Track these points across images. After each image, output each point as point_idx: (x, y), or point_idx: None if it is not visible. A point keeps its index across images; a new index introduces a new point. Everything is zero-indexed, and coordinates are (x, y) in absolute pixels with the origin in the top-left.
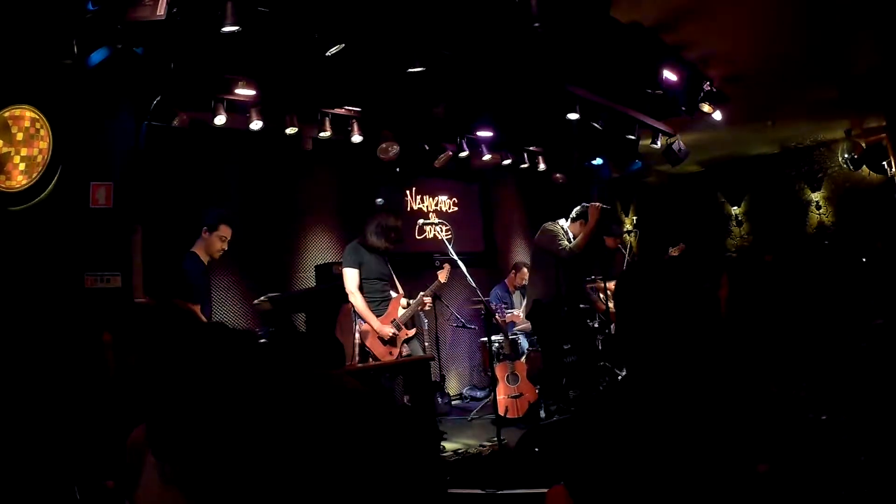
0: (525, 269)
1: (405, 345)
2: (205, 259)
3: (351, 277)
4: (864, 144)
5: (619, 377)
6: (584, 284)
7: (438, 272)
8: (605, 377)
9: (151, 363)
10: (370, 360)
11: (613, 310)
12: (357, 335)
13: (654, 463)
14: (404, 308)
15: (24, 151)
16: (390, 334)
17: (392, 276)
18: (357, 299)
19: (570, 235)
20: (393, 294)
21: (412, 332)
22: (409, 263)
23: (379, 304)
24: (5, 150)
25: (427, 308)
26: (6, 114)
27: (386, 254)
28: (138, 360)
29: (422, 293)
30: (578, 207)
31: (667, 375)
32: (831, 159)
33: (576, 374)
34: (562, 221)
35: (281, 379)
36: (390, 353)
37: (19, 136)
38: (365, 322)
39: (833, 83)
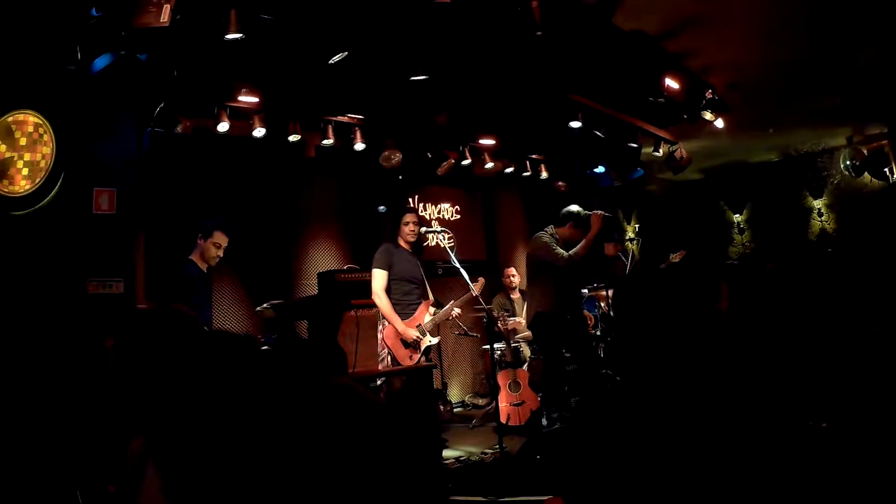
0: (510, 269)
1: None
2: (202, 266)
3: (378, 278)
4: (865, 151)
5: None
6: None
7: (474, 283)
8: (607, 384)
9: (153, 370)
10: (391, 362)
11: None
12: (380, 334)
13: (652, 476)
14: (431, 315)
15: (27, 156)
16: (413, 337)
17: (423, 281)
18: (382, 300)
19: (559, 240)
20: (423, 299)
21: (436, 339)
22: None
23: (407, 306)
24: (8, 154)
25: (454, 316)
26: (9, 119)
27: (417, 255)
28: (139, 366)
29: (452, 301)
30: (564, 211)
31: (665, 384)
32: (833, 166)
33: (577, 382)
34: (549, 228)
35: (283, 386)
36: (411, 357)
37: (22, 141)
38: (389, 324)
39: (835, 90)
